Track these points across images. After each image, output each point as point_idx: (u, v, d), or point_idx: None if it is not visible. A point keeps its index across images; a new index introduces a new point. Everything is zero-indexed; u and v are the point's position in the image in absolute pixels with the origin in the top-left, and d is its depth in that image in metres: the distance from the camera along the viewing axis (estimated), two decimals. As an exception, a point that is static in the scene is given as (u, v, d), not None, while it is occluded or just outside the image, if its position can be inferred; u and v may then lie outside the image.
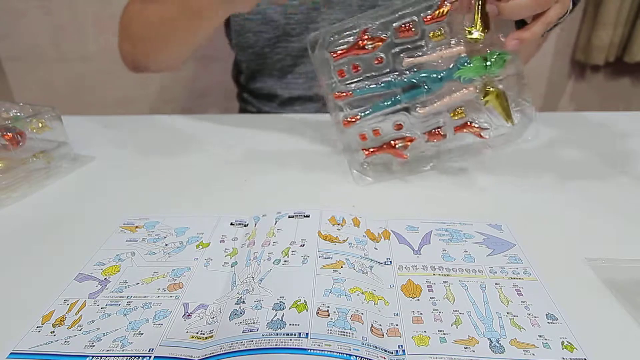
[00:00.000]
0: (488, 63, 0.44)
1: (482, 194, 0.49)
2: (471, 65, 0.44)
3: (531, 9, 0.43)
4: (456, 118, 0.48)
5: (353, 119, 0.49)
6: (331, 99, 0.48)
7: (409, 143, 0.49)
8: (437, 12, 0.44)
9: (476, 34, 0.44)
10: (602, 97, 1.56)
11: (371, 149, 0.50)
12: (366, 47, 0.46)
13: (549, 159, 0.56)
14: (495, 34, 0.45)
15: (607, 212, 0.44)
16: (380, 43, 0.46)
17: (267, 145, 0.62)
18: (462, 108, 0.48)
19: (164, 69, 0.78)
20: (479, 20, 0.44)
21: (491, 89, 0.46)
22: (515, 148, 0.58)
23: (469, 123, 0.48)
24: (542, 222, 0.43)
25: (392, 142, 0.50)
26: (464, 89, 0.47)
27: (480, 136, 0.49)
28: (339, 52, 0.46)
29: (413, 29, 0.45)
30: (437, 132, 0.49)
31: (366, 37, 0.46)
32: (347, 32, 0.46)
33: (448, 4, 0.44)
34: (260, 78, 0.80)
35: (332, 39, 0.46)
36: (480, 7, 0.43)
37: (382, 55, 0.47)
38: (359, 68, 0.47)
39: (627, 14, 1.34)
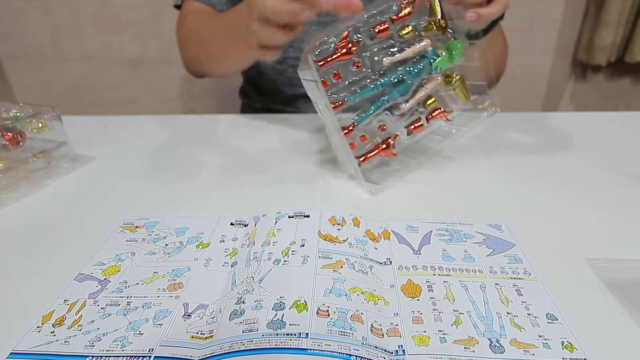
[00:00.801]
0: (451, 51, 0.48)
1: (482, 193, 0.49)
2: (442, 56, 0.48)
3: None
4: (429, 107, 0.51)
5: (348, 128, 0.48)
6: (326, 111, 0.47)
7: (394, 140, 0.50)
8: (402, 11, 0.46)
9: (439, 28, 0.48)
10: (602, 97, 1.56)
11: (364, 156, 0.50)
12: (350, 52, 0.46)
13: (548, 159, 0.56)
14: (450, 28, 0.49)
15: (607, 212, 0.44)
16: (357, 46, 0.46)
17: (267, 145, 0.62)
18: (433, 98, 0.51)
19: (223, 76, 0.87)
20: (439, 14, 0.47)
21: (457, 76, 0.50)
22: (514, 148, 0.58)
23: (438, 110, 0.51)
24: (542, 222, 0.43)
25: (380, 145, 0.50)
26: (434, 80, 0.50)
27: (447, 119, 0.52)
28: (323, 61, 0.45)
29: (388, 29, 0.47)
30: (416, 125, 0.51)
31: (346, 41, 0.46)
32: (324, 39, 0.46)
33: (410, 4, 0.46)
34: (263, 72, 0.79)
35: (315, 47, 0.46)
36: (438, 2, 0.47)
37: (359, 59, 0.47)
38: (340, 75, 0.47)
39: (628, 13, 1.34)
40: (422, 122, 0.51)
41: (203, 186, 0.51)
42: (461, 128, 0.54)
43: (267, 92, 0.82)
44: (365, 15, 0.46)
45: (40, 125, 0.53)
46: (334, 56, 0.45)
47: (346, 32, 0.45)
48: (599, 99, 1.56)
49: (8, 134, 0.50)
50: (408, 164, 0.53)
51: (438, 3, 0.47)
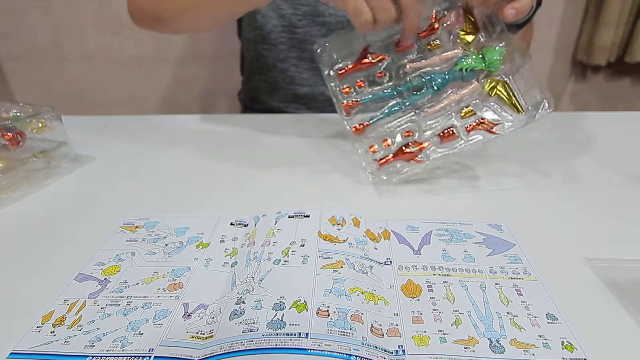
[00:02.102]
0: (485, 57, 0.46)
1: (482, 194, 0.49)
2: (469, 58, 0.46)
3: None
4: (466, 117, 0.48)
5: (362, 126, 0.49)
6: (341, 111, 0.50)
7: (419, 149, 0.48)
8: (429, 27, 0.48)
9: (468, 37, 0.47)
10: (602, 97, 1.56)
11: (384, 159, 0.49)
12: (372, 62, 0.49)
13: (549, 159, 0.56)
14: (485, 37, 0.47)
15: (606, 212, 0.44)
16: (381, 59, 0.49)
17: (267, 144, 0.62)
18: (470, 107, 0.48)
19: (183, 32, 0.67)
20: (468, 24, 0.47)
21: (495, 80, 0.46)
22: (514, 148, 0.58)
23: (480, 120, 0.48)
24: (542, 222, 0.43)
25: (403, 148, 0.49)
26: (468, 86, 0.47)
27: (492, 132, 0.47)
28: (344, 70, 0.49)
29: (410, 42, 0.48)
30: (449, 134, 0.48)
31: (367, 52, 0.48)
32: (348, 51, 0.49)
33: (437, 22, 0.47)
34: (265, 67, 0.79)
35: (335, 64, 0.49)
36: (467, 15, 0.47)
37: (384, 70, 0.49)
38: (363, 84, 0.49)
39: (628, 14, 1.34)
40: (454, 132, 0.48)
41: (203, 186, 0.51)
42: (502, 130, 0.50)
43: (267, 91, 0.82)
44: (395, 35, 0.48)
45: (40, 125, 0.53)
46: (349, 68, 0.49)
47: (367, 46, 0.48)
48: (598, 99, 1.56)
49: (8, 134, 0.50)
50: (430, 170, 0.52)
51: (466, 17, 0.47)
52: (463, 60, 0.46)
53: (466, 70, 0.46)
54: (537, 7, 0.53)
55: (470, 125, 0.48)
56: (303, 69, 0.77)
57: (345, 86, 0.49)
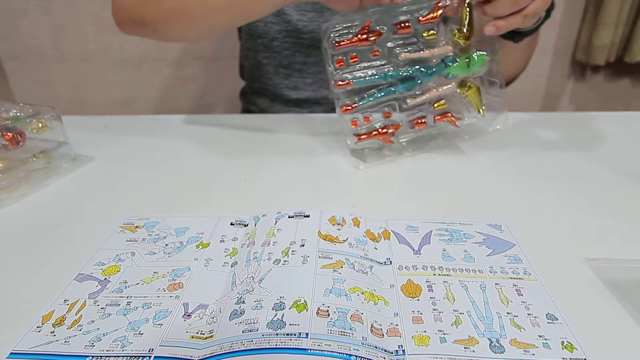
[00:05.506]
0: (470, 62, 0.51)
1: (482, 194, 0.49)
2: (458, 63, 0.51)
3: (510, 7, 0.48)
4: (438, 109, 0.54)
5: (351, 106, 0.53)
6: (333, 87, 0.52)
7: (395, 130, 0.54)
8: (430, 14, 0.50)
9: (462, 37, 0.51)
10: (602, 98, 1.56)
11: (362, 135, 0.54)
12: (368, 40, 0.50)
13: (549, 159, 0.56)
14: (476, 38, 0.51)
15: (606, 212, 0.45)
16: (378, 36, 0.50)
17: (267, 145, 0.62)
18: (443, 100, 0.54)
19: (170, 39, 0.61)
20: (466, 24, 0.50)
21: (471, 85, 0.53)
22: (514, 148, 0.58)
23: (447, 113, 0.55)
24: (542, 222, 0.43)
25: (381, 129, 0.54)
26: (447, 84, 0.53)
27: (455, 125, 0.55)
28: (342, 42, 0.50)
29: (410, 27, 0.50)
30: (420, 121, 0.55)
31: (367, 30, 0.50)
32: (349, 25, 0.50)
33: (440, 9, 0.49)
34: (267, 74, 0.79)
35: (335, 29, 0.50)
36: (467, 13, 0.50)
37: (379, 48, 0.51)
38: (357, 59, 0.51)
39: (627, 14, 1.34)
40: (425, 120, 0.54)
41: (203, 186, 0.51)
42: (462, 135, 0.58)
43: (269, 97, 0.82)
44: (396, 12, 0.49)
45: (40, 125, 0.53)
46: (352, 40, 0.50)
47: (368, 22, 0.49)
48: (598, 99, 1.56)
49: (8, 134, 0.50)
50: (404, 153, 0.57)
51: (467, 13, 0.50)
52: (451, 64, 0.51)
53: (452, 74, 0.52)
54: (545, 19, 0.54)
55: (438, 115, 0.55)
56: (307, 74, 0.76)
57: (338, 58, 0.51)
